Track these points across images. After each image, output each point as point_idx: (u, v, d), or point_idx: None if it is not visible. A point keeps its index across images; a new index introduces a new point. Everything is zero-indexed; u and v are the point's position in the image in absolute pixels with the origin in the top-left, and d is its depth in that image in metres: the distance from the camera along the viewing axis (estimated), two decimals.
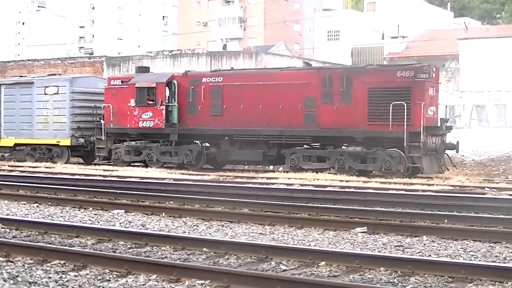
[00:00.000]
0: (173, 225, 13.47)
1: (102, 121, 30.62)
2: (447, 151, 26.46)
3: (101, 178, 24.16)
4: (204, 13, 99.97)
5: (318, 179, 23.44)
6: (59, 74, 38.65)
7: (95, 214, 14.87)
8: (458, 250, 10.85)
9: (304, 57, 66.64)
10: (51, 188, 19.06)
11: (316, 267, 9.34)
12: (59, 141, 32.31)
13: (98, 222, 13.78)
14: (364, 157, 25.63)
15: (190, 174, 26.41)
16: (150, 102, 29.22)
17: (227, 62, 42.56)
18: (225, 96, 28.09)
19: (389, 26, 60.06)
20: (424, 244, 11.33)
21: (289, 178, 23.73)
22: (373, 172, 26.15)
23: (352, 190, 19.91)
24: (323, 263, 9.45)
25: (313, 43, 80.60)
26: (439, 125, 25.98)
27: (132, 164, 30.31)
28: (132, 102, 29.51)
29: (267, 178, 24.16)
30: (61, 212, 15.17)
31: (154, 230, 12.67)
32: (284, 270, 9.23)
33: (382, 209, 15.27)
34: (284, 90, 26.85)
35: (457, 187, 21.48)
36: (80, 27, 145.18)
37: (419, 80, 24.79)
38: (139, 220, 14.08)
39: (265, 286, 7.93)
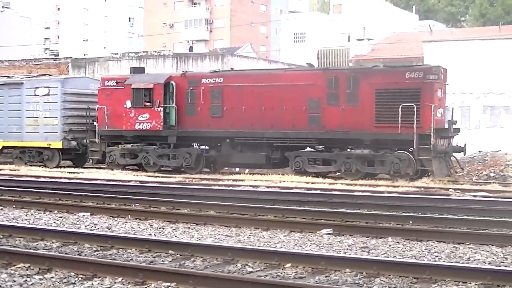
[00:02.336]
0: (139, 227, 13.43)
1: (95, 123, 29.73)
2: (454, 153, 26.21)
3: (67, 180, 23.96)
4: (170, 14, 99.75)
5: (284, 181, 23.47)
6: (49, 75, 37.44)
7: (60, 217, 14.76)
8: (423, 251, 10.95)
9: (271, 59, 66.82)
10: (16, 190, 18.88)
11: (282, 269, 9.37)
12: (50, 144, 31.26)
13: (64, 225, 13.68)
14: (372, 160, 25.12)
15: (156, 176, 26.28)
16: (147, 104, 28.37)
17: (193, 64, 42.48)
18: (226, 98, 27.40)
19: (355, 28, 60.38)
20: (389, 245, 11.42)
21: (255, 180, 23.73)
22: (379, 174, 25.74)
23: (318, 192, 19.97)
24: (289, 264, 9.48)
25: (279, 45, 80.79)
26: (447, 127, 25.62)
27: (127, 167, 29.57)
28: (128, 104, 28.67)
29: (233, 180, 24.10)
30: (26, 215, 15.04)
31: (120, 233, 12.62)
32: (250, 272, 9.25)
33: (348, 210, 15.35)
34: (288, 91, 26.24)
35: (422, 189, 21.64)
36: (45, 28, 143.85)
37: (429, 82, 24.41)
38: (104, 222, 14.00)
39: None
